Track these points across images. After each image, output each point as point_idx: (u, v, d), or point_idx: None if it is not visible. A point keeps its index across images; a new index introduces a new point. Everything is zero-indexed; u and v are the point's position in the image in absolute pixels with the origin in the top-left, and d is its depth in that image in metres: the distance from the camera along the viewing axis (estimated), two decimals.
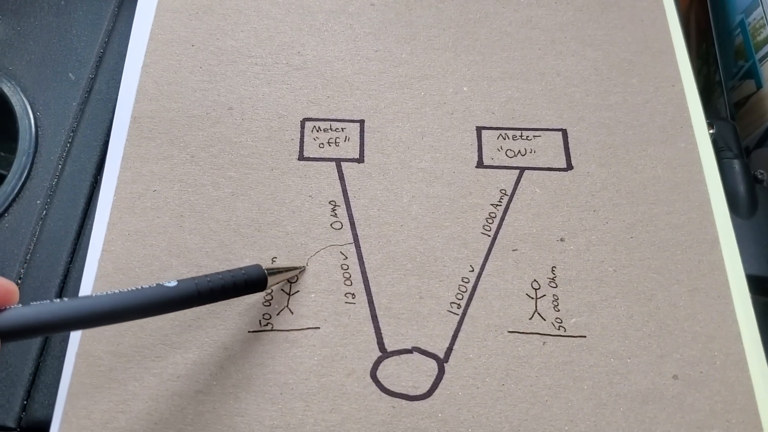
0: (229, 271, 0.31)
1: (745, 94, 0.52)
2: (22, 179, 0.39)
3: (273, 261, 0.35)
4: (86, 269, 0.35)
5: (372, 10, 0.44)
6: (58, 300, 0.25)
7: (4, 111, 0.41)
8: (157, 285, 0.28)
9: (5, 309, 0.23)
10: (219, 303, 0.34)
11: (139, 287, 0.27)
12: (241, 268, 0.31)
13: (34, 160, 0.39)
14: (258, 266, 0.32)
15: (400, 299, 0.35)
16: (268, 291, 0.34)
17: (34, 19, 0.45)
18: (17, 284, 0.35)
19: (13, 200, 0.38)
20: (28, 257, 0.36)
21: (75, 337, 0.33)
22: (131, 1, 0.45)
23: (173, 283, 0.28)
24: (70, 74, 0.43)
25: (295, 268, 0.35)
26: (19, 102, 0.41)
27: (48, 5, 0.46)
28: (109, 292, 0.26)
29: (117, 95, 0.40)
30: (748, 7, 0.51)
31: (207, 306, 0.34)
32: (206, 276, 0.30)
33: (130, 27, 0.43)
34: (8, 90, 0.41)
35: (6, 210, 0.38)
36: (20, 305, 0.24)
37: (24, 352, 0.34)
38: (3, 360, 0.34)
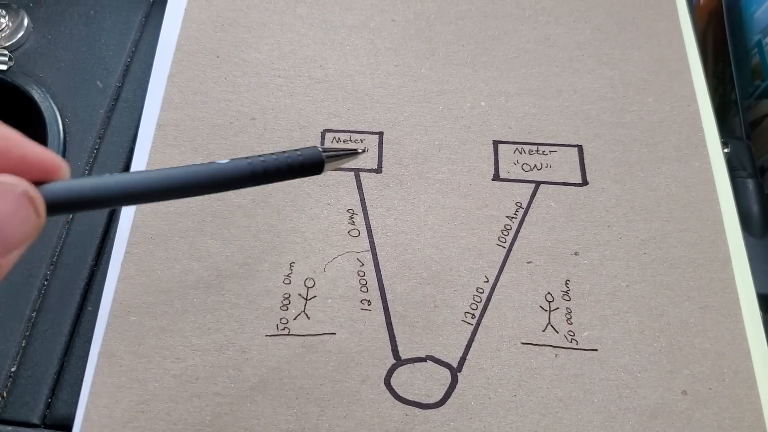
0: (283, 151, 0.28)
1: (761, 114, 0.52)
2: None
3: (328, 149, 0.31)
4: (110, 271, 0.36)
5: (393, 26, 0.45)
6: (108, 174, 0.23)
7: (34, 117, 0.42)
8: (210, 162, 0.26)
9: (50, 183, 0.22)
10: (239, 306, 0.34)
11: (190, 164, 0.26)
12: (296, 150, 0.29)
13: None
14: (314, 148, 0.29)
15: (415, 307, 0.35)
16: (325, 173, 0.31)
17: (65, 28, 0.46)
18: (43, 285, 0.36)
19: None
20: (54, 259, 0.37)
21: (98, 337, 0.34)
22: (158, 12, 0.46)
23: (225, 161, 0.26)
24: (98, 82, 0.44)
25: (352, 151, 0.31)
26: (48, 108, 0.42)
27: (78, 15, 0.47)
28: (157, 169, 0.25)
29: (143, 103, 0.41)
30: (766, 27, 0.51)
31: (226, 309, 0.35)
32: (260, 156, 0.27)
33: (157, 37, 0.44)
34: (38, 96, 0.43)
35: None
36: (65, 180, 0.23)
37: (49, 351, 0.35)
38: (29, 359, 0.35)
